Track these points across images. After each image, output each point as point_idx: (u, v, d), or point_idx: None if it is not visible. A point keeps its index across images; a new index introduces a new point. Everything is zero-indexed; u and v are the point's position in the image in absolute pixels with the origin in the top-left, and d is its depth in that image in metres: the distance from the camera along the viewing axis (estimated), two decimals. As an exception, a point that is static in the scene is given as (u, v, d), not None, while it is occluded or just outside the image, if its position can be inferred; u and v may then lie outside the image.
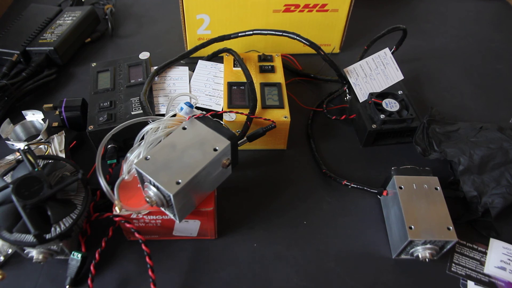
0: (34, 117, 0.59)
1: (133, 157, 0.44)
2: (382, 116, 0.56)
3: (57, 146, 0.54)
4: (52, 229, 0.41)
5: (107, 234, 0.46)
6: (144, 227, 0.46)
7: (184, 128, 0.44)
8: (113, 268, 0.47)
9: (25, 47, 0.69)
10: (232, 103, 0.57)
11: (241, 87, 0.59)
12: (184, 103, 0.46)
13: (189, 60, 0.68)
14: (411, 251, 0.46)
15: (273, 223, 0.51)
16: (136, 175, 0.43)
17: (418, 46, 0.79)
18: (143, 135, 0.45)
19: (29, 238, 0.41)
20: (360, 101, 0.61)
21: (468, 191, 0.50)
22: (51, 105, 0.60)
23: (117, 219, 0.44)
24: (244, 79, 0.60)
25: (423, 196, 0.47)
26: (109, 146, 0.53)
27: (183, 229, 0.47)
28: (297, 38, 0.59)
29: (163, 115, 0.52)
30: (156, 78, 0.60)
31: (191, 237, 0.49)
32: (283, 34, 0.60)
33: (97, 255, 0.45)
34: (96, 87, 0.59)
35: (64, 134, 0.55)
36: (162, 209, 0.42)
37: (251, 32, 0.62)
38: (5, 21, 0.81)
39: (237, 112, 0.54)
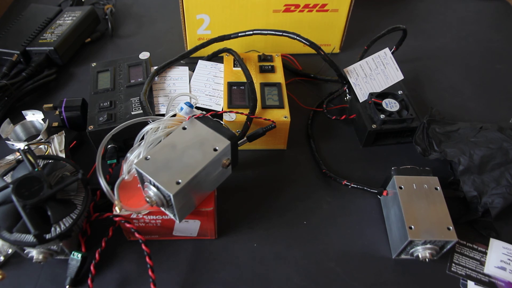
0: (34, 117, 0.59)
1: (133, 157, 0.44)
2: (382, 116, 0.56)
3: (57, 146, 0.54)
4: (52, 229, 0.41)
5: (107, 234, 0.46)
6: (144, 227, 0.46)
7: (184, 128, 0.44)
8: (113, 268, 0.47)
9: (25, 47, 0.69)
10: (232, 103, 0.57)
11: (241, 87, 0.59)
12: (184, 103, 0.46)
13: (189, 60, 0.68)
14: (411, 251, 0.46)
15: (273, 223, 0.51)
16: (136, 175, 0.43)
17: (418, 46, 0.79)
18: (143, 135, 0.45)
19: (29, 238, 0.41)
20: (360, 101, 0.61)
21: (468, 191, 0.50)
22: (51, 105, 0.60)
23: (117, 219, 0.44)
24: (244, 79, 0.60)
25: (423, 196, 0.47)
26: (109, 146, 0.53)
27: (183, 229, 0.47)
28: (297, 38, 0.59)
29: (163, 115, 0.52)
30: (156, 78, 0.60)
31: (191, 237, 0.49)
32: (283, 34, 0.60)
33: (97, 255, 0.45)
34: (96, 87, 0.59)
35: (64, 134, 0.55)
36: (162, 209, 0.42)
37: (251, 32, 0.62)
38: (5, 21, 0.81)
39: (237, 112, 0.54)
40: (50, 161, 0.46)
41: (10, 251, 0.47)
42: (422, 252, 0.45)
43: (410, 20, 0.86)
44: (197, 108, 0.55)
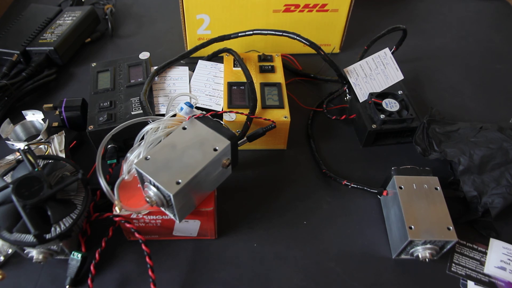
0: (34, 117, 0.59)
1: (133, 157, 0.44)
2: (382, 116, 0.56)
3: (57, 146, 0.54)
4: (52, 229, 0.41)
5: (107, 234, 0.46)
6: (144, 227, 0.46)
7: (184, 128, 0.44)
8: (113, 268, 0.47)
9: (25, 47, 0.69)
10: (232, 103, 0.57)
11: (241, 87, 0.59)
12: (184, 103, 0.46)
13: (189, 60, 0.68)
14: (411, 251, 0.46)
15: (273, 223, 0.51)
16: (136, 175, 0.43)
17: (418, 46, 0.79)
18: (143, 135, 0.45)
19: (29, 238, 0.41)
20: (360, 101, 0.61)
21: (468, 191, 0.50)
22: (51, 105, 0.60)
23: (117, 219, 0.44)
24: (244, 79, 0.60)
25: (423, 196, 0.47)
26: (109, 146, 0.53)
27: (183, 229, 0.47)
28: (297, 38, 0.59)
29: (163, 115, 0.52)
30: (156, 78, 0.60)
31: (191, 237, 0.49)
32: (283, 34, 0.60)
33: (97, 255, 0.45)
34: (96, 87, 0.59)
35: (64, 134, 0.55)
36: (162, 209, 0.42)
37: (251, 32, 0.62)
38: (5, 21, 0.81)
39: (237, 112, 0.54)
40: (50, 161, 0.46)
41: (10, 251, 0.47)
42: (422, 252, 0.45)
43: (410, 20, 0.86)
44: (197, 108, 0.55)
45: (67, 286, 0.44)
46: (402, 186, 0.48)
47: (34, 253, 0.43)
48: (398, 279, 0.47)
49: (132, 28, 0.83)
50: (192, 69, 0.64)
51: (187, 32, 0.71)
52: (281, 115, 0.55)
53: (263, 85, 0.59)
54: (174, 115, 0.47)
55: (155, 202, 0.40)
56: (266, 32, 0.61)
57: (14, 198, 0.40)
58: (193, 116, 0.46)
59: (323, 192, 0.55)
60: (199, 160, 0.41)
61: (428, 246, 0.45)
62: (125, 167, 0.44)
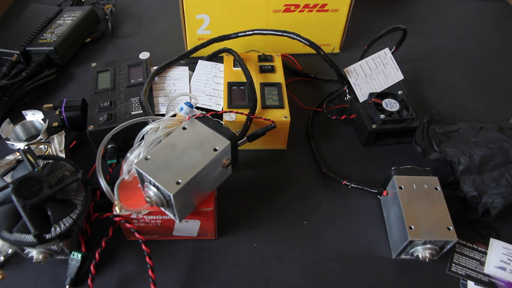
0: (34, 117, 0.59)
1: (133, 157, 0.44)
2: (382, 116, 0.56)
3: (57, 146, 0.54)
4: (52, 229, 0.41)
5: (107, 234, 0.46)
6: (144, 227, 0.46)
7: (184, 128, 0.44)
8: (113, 268, 0.47)
9: (25, 47, 0.69)
10: (232, 103, 0.57)
11: (241, 87, 0.59)
12: (184, 103, 0.46)
13: (189, 60, 0.68)
14: (411, 251, 0.46)
15: (273, 223, 0.51)
16: (136, 175, 0.43)
17: (418, 46, 0.79)
18: (143, 135, 0.45)
19: (29, 238, 0.41)
20: (360, 101, 0.61)
21: (468, 191, 0.50)
22: (51, 105, 0.60)
23: (117, 219, 0.44)
24: (244, 79, 0.60)
25: (423, 196, 0.47)
26: (109, 146, 0.53)
27: (183, 229, 0.47)
28: (297, 38, 0.59)
29: (163, 115, 0.52)
30: (156, 78, 0.60)
31: (191, 237, 0.49)
32: (283, 34, 0.60)
33: (97, 255, 0.45)
34: (96, 87, 0.59)
35: (64, 134, 0.55)
36: (162, 209, 0.42)
37: (251, 32, 0.62)
38: (5, 21, 0.81)
39: (237, 112, 0.54)
40: (50, 161, 0.46)
41: (10, 251, 0.47)
42: (422, 252, 0.45)
43: (410, 20, 0.86)
44: (197, 108, 0.55)
45: (67, 286, 0.44)
46: (402, 186, 0.48)
47: (34, 253, 0.43)
48: (398, 279, 0.47)
49: (132, 28, 0.83)
50: (192, 69, 0.64)
51: (187, 32, 0.71)
52: (281, 115, 0.55)
53: (263, 85, 0.59)
54: (174, 115, 0.47)
55: (155, 202, 0.40)
56: (266, 32, 0.61)
57: (14, 198, 0.40)
58: (193, 116, 0.46)
59: (323, 192, 0.55)
60: (199, 160, 0.41)
61: (428, 246, 0.45)
62: (125, 167, 0.44)
